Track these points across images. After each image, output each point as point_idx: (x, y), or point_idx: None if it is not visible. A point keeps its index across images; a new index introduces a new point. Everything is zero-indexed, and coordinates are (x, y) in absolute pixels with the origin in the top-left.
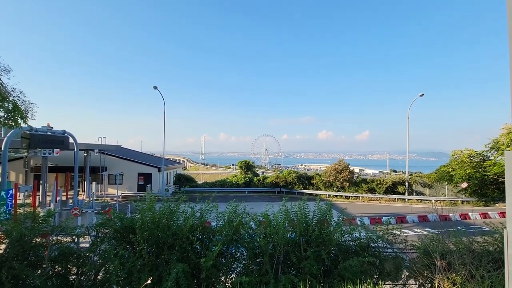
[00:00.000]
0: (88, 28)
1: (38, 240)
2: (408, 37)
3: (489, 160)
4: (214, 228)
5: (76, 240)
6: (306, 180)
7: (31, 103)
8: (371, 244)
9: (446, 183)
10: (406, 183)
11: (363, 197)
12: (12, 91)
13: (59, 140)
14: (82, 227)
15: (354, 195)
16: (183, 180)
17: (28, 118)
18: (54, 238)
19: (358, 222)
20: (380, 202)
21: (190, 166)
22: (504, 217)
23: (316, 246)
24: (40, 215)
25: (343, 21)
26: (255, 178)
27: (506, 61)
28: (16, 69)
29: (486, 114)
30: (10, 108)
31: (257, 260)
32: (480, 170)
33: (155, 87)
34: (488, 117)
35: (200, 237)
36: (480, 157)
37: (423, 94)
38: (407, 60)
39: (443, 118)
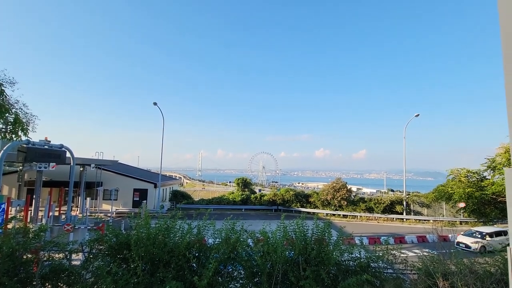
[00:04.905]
0: (88, 39)
1: (29, 256)
2: (405, 56)
3: (487, 179)
4: (211, 245)
5: (68, 257)
6: (303, 198)
7: (33, 116)
8: (371, 264)
9: (445, 202)
10: (404, 203)
11: (361, 216)
12: (16, 103)
13: (56, 154)
14: (76, 243)
15: (352, 214)
16: (179, 197)
17: (29, 131)
18: (46, 254)
19: (357, 242)
20: (378, 222)
21: (187, 182)
22: None
23: (315, 265)
24: (31, 230)
25: (343, 37)
26: (252, 196)
27: (501, 81)
28: (19, 81)
29: (481, 134)
30: (12, 120)
31: (255, 280)
32: (478, 189)
33: (155, 103)
34: (483, 136)
35: (197, 254)
36: (477, 176)
37: (418, 115)
38: (404, 79)
39: (439, 137)
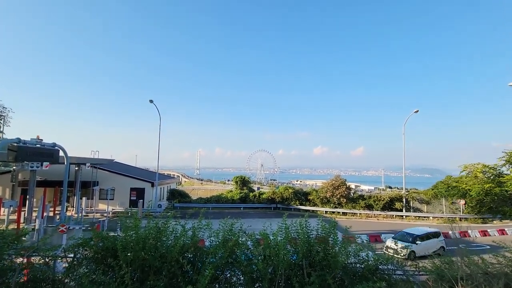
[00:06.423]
0: (84, 38)
1: (6, 262)
2: (402, 55)
3: (507, 174)
4: (207, 249)
5: (50, 263)
6: (302, 196)
7: (5, 108)
8: (380, 266)
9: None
10: (404, 200)
11: (360, 213)
12: None
13: (49, 153)
14: (60, 248)
15: (352, 211)
16: (177, 196)
17: (0, 124)
18: (26, 260)
19: (359, 241)
20: (378, 219)
21: (185, 181)
22: (503, 234)
23: (321, 269)
24: (10, 233)
25: (341, 36)
26: (251, 194)
27: (497, 82)
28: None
29: (479, 131)
30: None
31: (255, 286)
32: (497, 185)
33: (151, 101)
34: (480, 134)
35: (191, 259)
36: (494, 172)
37: (417, 111)
38: (401, 77)
39: (436, 134)
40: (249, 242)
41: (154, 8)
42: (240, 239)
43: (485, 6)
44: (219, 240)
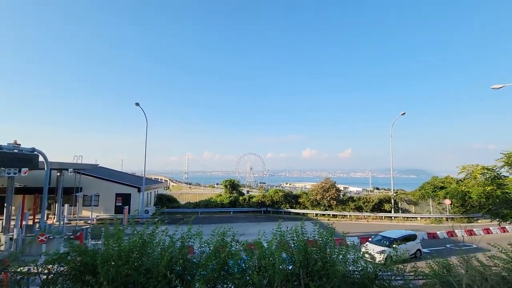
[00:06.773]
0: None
1: None
2: (390, 56)
3: (506, 177)
4: (197, 261)
5: (20, 281)
6: (293, 199)
7: None
8: (379, 273)
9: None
10: (392, 201)
11: (350, 215)
12: None
13: (27, 158)
14: (34, 263)
15: (342, 213)
16: (164, 201)
17: None
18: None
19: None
20: (367, 221)
21: (173, 185)
22: (489, 233)
23: (319, 278)
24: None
25: (331, 38)
26: (241, 198)
27: (486, 82)
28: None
29: (462, 133)
30: None
31: None
32: (497, 187)
33: (137, 104)
34: (464, 135)
35: (180, 273)
36: (492, 173)
37: (404, 113)
38: (386, 79)
39: (421, 135)
40: (242, 253)
41: (145, 9)
42: (233, 248)
43: (485, 6)
44: (210, 250)
